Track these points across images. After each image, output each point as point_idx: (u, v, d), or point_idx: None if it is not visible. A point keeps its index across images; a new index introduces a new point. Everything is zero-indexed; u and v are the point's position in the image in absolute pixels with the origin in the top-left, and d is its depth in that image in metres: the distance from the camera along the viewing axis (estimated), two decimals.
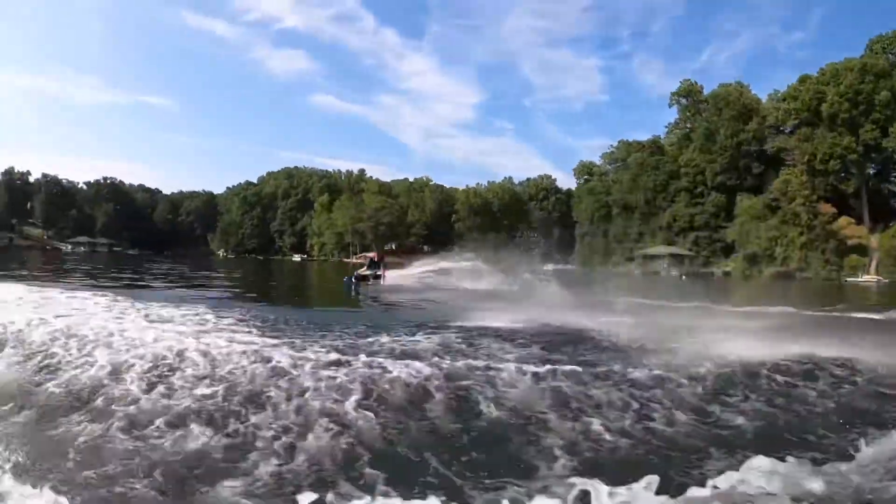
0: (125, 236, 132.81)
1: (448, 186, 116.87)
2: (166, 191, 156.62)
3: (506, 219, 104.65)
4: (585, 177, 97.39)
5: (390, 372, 6.26)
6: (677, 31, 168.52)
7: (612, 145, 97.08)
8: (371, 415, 5.14)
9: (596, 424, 5.15)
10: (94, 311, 9.83)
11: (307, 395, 5.52)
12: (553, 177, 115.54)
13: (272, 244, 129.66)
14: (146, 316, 9.97)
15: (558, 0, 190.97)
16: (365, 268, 24.19)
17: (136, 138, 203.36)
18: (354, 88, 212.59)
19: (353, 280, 22.55)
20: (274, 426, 4.82)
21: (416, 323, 11.32)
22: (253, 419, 4.93)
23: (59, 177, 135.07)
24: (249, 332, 8.75)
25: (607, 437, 4.93)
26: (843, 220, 65.77)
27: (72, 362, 6.36)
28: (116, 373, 6.01)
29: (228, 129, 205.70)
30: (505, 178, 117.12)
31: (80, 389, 5.59)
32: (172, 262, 56.93)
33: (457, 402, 5.67)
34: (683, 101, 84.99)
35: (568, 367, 6.73)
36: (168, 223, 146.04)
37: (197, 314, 10.67)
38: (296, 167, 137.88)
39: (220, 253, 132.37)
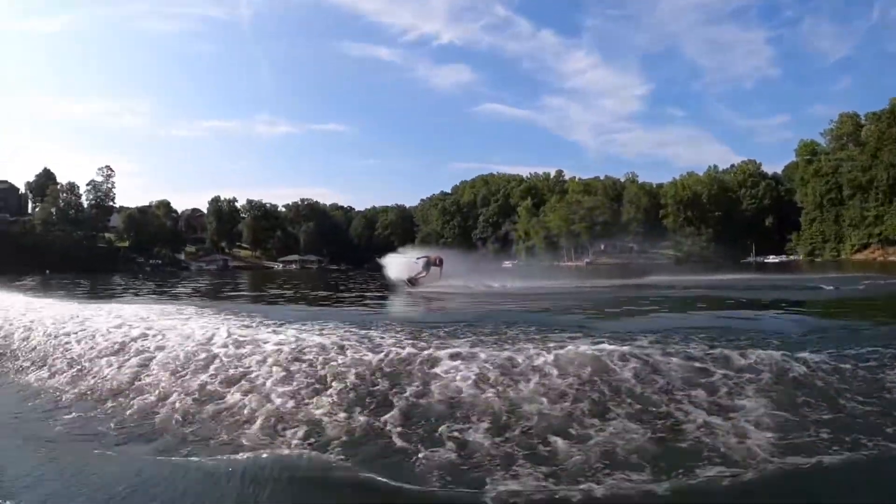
0: (325, 253, 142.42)
1: (641, 181, 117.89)
2: (358, 208, 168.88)
3: (716, 210, 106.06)
4: (808, 157, 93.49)
5: None
6: None
7: (832, 120, 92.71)
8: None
9: None
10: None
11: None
12: (758, 161, 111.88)
13: (474, 251, 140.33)
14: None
15: None
16: (421, 270, 22.63)
17: (320, 164, 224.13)
18: (519, 94, 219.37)
19: (408, 283, 22.33)
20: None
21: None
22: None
23: (263, 201, 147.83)
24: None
25: None
26: None
27: None
28: None
29: (404, 146, 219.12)
30: (710, 166, 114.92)
31: None
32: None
33: None
34: None
35: None
36: (364, 238, 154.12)
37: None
38: (490, 174, 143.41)
39: None
